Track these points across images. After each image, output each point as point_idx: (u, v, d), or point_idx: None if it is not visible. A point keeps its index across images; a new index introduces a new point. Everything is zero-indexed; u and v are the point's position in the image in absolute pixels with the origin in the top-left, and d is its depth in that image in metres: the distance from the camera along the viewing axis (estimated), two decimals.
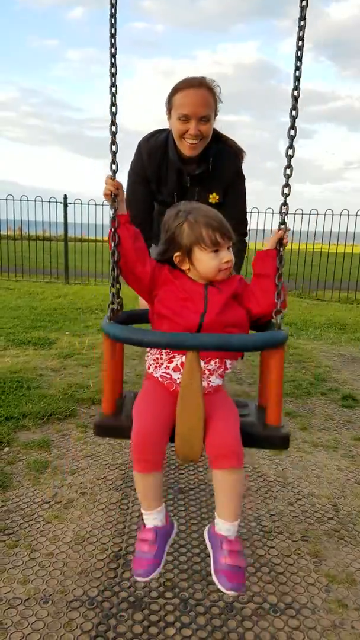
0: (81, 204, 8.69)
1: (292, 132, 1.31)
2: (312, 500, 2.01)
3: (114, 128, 1.34)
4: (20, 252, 9.23)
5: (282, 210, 1.36)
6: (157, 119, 2.43)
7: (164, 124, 2.26)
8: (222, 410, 1.30)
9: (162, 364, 1.39)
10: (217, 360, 1.39)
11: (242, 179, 2.31)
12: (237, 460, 1.22)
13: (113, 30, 1.35)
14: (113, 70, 1.34)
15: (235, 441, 1.23)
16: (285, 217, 1.37)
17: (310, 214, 8.10)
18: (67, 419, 2.68)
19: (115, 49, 1.35)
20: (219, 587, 1.20)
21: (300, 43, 1.27)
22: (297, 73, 1.27)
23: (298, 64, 1.27)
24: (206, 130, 2.08)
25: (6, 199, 8.87)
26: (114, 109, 1.35)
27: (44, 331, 4.59)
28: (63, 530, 1.76)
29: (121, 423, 1.36)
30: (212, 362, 1.38)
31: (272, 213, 8.31)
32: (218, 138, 2.21)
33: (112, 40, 1.35)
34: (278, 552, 1.69)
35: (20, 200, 8.83)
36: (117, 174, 1.39)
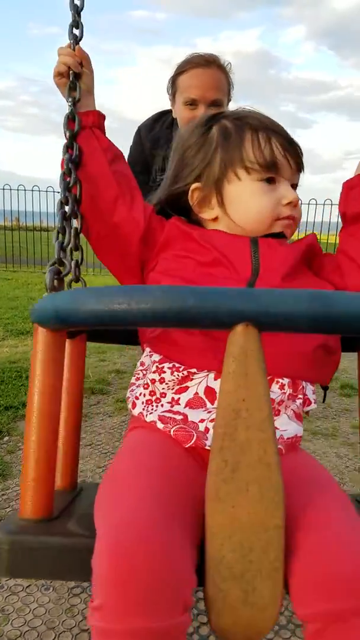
0: None
1: None
2: None
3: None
4: (18, 243, 9.20)
5: None
6: (157, 109, 2.08)
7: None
8: (319, 495, 0.65)
9: (165, 394, 0.76)
10: (288, 381, 0.75)
11: None
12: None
13: None
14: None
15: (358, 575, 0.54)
16: None
17: (309, 204, 8.10)
18: None
19: None
20: None
21: None
22: None
23: None
24: None
25: (3, 189, 8.82)
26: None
27: None
28: None
29: (60, 533, 0.69)
30: (275, 385, 0.74)
31: None
32: None
33: None
34: None
35: (18, 190, 8.79)
36: (80, 41, 0.89)
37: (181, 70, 1.73)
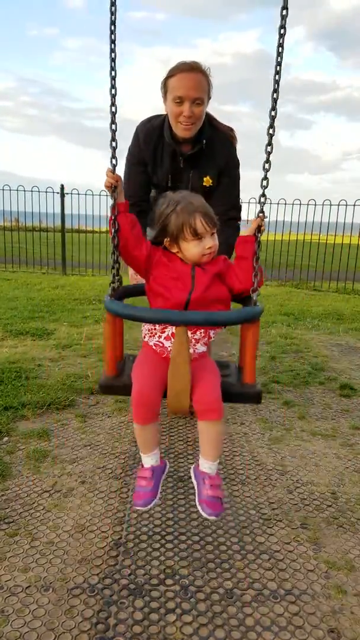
0: (78, 194, 8.63)
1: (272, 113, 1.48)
2: (311, 488, 2.02)
3: (114, 126, 1.50)
4: (17, 243, 9.19)
5: (261, 201, 1.53)
6: (155, 108, 2.53)
7: (162, 112, 2.32)
8: (206, 373, 1.51)
9: (156, 333, 1.58)
10: (202, 330, 1.58)
11: (236, 164, 2.37)
12: (218, 414, 1.45)
13: (113, 18, 1.48)
14: (113, 73, 1.49)
15: (217, 399, 1.45)
16: (263, 206, 1.55)
17: (308, 205, 8.08)
18: (66, 408, 2.68)
19: (115, 54, 1.52)
20: (202, 514, 1.47)
21: (280, 49, 1.45)
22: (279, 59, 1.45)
23: (280, 53, 1.45)
24: (199, 112, 2.16)
25: (2, 190, 8.81)
26: (113, 108, 1.49)
27: (42, 322, 4.58)
28: (63, 518, 1.77)
29: (122, 382, 1.58)
30: (198, 332, 1.57)
31: (270, 204, 8.29)
32: (210, 122, 2.30)
33: (112, 32, 1.50)
34: (277, 539, 1.70)
35: (17, 190, 8.77)
36: (116, 168, 1.54)
37: (170, 74, 2.14)
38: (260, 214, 1.55)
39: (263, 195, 1.51)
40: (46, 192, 8.65)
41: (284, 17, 1.42)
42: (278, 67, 1.43)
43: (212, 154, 2.28)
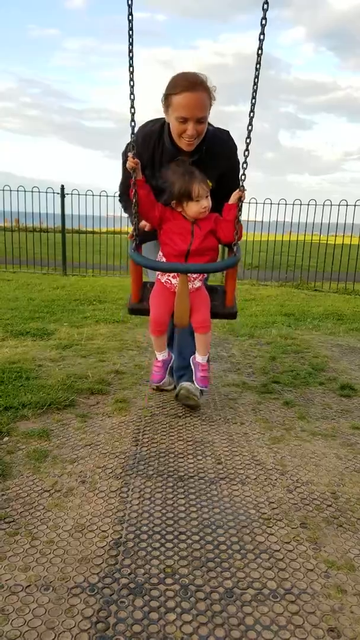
0: (78, 194, 8.64)
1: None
2: (311, 488, 2.02)
3: (133, 124, 1.91)
4: (18, 244, 9.19)
5: (241, 178, 2.02)
6: (156, 109, 2.52)
7: (162, 114, 2.31)
8: (200, 301, 2.27)
9: (165, 273, 2.21)
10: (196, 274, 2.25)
11: (236, 162, 2.39)
12: (208, 328, 2.31)
13: (131, 25, 1.79)
14: (131, 62, 1.82)
15: (207, 319, 2.28)
16: (243, 182, 2.03)
17: (308, 205, 8.08)
18: (67, 409, 2.68)
19: (132, 48, 1.84)
20: (197, 386, 2.52)
21: (259, 52, 1.82)
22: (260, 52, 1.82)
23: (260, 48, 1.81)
24: (202, 129, 2.22)
25: (2, 190, 8.82)
26: (133, 110, 1.88)
27: (42, 322, 4.59)
28: (63, 518, 1.77)
29: (144, 307, 2.31)
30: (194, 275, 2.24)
31: (271, 204, 8.29)
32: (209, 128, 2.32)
33: (130, 37, 1.82)
34: (277, 538, 1.70)
35: (17, 191, 8.78)
36: (134, 155, 1.98)
37: (173, 92, 2.14)
38: (242, 188, 2.05)
39: (243, 174, 2.01)
40: (46, 192, 8.65)
41: (265, 11, 1.72)
42: (259, 59, 1.82)
43: (214, 158, 2.34)
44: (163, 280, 2.23)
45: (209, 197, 2.06)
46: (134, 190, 2.01)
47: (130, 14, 1.75)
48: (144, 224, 2.22)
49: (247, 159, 1.97)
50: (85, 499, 1.88)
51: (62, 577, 1.49)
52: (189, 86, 2.11)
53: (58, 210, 8.76)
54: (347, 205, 7.86)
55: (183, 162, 2.18)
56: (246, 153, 1.96)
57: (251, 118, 1.90)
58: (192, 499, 1.92)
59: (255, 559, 1.60)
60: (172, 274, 2.17)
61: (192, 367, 2.44)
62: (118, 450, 2.27)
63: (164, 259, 2.18)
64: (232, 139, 2.43)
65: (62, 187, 8.58)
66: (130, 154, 1.93)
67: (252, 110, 1.89)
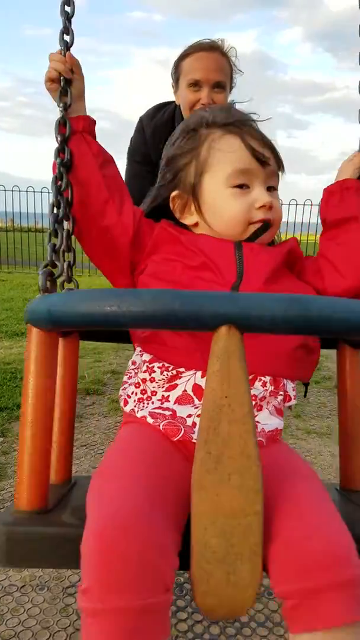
0: None
1: None
2: None
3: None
4: (13, 244, 9.18)
5: None
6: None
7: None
8: (297, 484, 0.68)
9: (156, 392, 0.79)
10: (269, 379, 0.78)
11: None
12: (355, 604, 0.57)
13: None
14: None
15: (348, 550, 0.59)
16: None
17: (304, 205, 8.12)
18: None
19: None
20: None
21: None
22: None
23: None
24: (221, 100, 1.74)
25: None
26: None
27: None
28: None
29: (58, 523, 0.72)
30: (258, 382, 0.77)
31: None
32: None
33: None
34: None
35: (12, 191, 8.77)
36: (70, 49, 0.92)
37: (186, 53, 1.76)
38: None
39: None
40: (41, 192, 8.66)
41: None
42: None
43: None
44: (146, 413, 0.81)
45: (277, 194, 0.96)
46: (59, 139, 0.88)
47: None
48: None
49: None
50: None
51: (57, 576, 1.49)
52: (203, 46, 1.74)
53: None
54: None
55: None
56: None
57: None
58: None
59: None
60: (176, 390, 0.80)
61: None
62: None
63: (145, 376, 0.84)
64: None
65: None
66: (56, 51, 0.94)
67: None
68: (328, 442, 2.43)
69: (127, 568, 0.54)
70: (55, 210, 0.84)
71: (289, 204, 8.13)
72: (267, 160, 0.86)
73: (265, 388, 0.78)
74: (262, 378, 0.78)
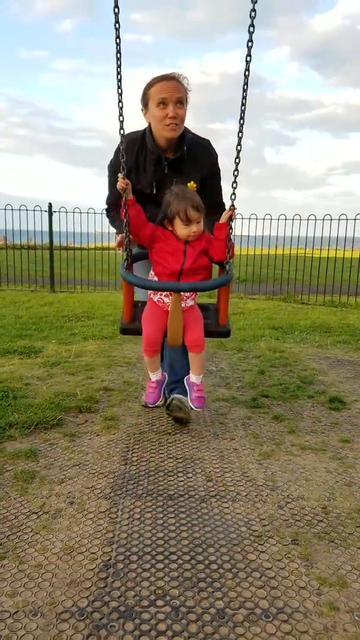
0: (66, 212, 8.66)
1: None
2: (302, 504, 2.01)
3: (123, 147, 2.03)
4: (5, 261, 9.16)
5: (232, 198, 2.06)
6: (142, 127, 2.57)
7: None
8: (193, 320, 2.26)
9: (158, 292, 2.22)
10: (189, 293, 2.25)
11: (218, 171, 2.58)
12: (202, 347, 2.29)
13: (119, 55, 1.88)
14: (119, 84, 1.88)
15: (201, 337, 2.26)
16: (233, 202, 2.07)
17: (293, 220, 8.17)
18: (54, 428, 2.65)
19: (121, 66, 1.88)
20: (192, 407, 2.43)
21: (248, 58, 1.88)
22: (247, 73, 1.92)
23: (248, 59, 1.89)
24: (182, 113, 2.34)
25: None
26: (122, 131, 1.98)
27: (30, 340, 4.55)
28: (51, 540, 1.74)
29: (136, 327, 2.27)
30: (187, 294, 2.23)
31: (256, 219, 8.37)
32: (188, 133, 2.49)
33: (118, 57, 1.88)
34: (269, 556, 1.69)
35: (5, 209, 8.77)
36: (125, 176, 2.06)
37: (152, 83, 2.34)
38: (232, 207, 2.09)
39: (233, 194, 2.05)
40: (34, 210, 8.66)
41: (252, 18, 1.77)
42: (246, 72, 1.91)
43: (194, 159, 2.47)
44: (155, 299, 2.24)
45: (201, 223, 2.11)
46: (124, 211, 2.05)
47: (118, 37, 1.84)
48: (121, 240, 2.27)
49: (237, 178, 2.01)
50: (74, 521, 1.85)
51: (51, 602, 1.46)
52: (164, 76, 2.33)
53: (46, 228, 8.76)
54: (331, 219, 7.97)
55: (181, 185, 2.21)
56: (235, 173, 2.00)
57: (239, 138, 1.97)
58: (182, 517, 1.90)
59: (246, 578, 1.58)
60: (164, 293, 2.19)
61: (187, 387, 2.41)
62: (107, 469, 2.24)
63: (155, 279, 2.21)
64: (211, 146, 2.57)
65: (50, 205, 8.59)
66: (120, 175, 2.03)
67: (240, 131, 1.96)
68: (323, 457, 2.42)
69: (150, 347, 2.27)
70: (125, 232, 2.13)
71: (278, 219, 8.21)
72: (197, 213, 2.11)
73: (189, 293, 2.21)
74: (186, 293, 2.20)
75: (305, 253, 8.73)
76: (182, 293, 2.14)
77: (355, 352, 4.54)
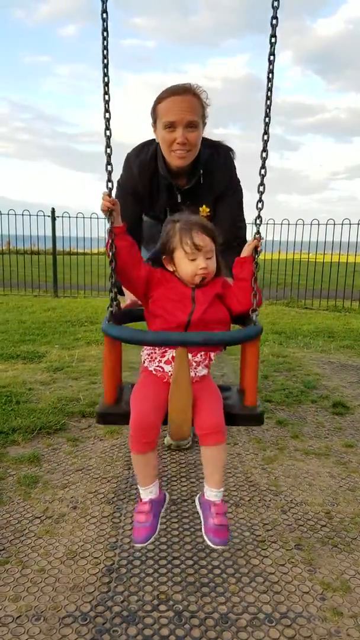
0: (69, 217, 8.70)
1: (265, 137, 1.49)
2: (305, 508, 2.01)
3: (108, 150, 1.45)
4: (9, 266, 9.20)
5: (257, 222, 1.54)
6: (148, 133, 2.40)
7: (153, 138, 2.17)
8: (208, 395, 1.48)
9: (156, 358, 1.52)
10: (202, 353, 1.52)
11: (235, 185, 2.18)
12: (222, 437, 1.43)
13: (105, 43, 1.44)
14: (106, 97, 1.43)
15: (220, 421, 1.42)
16: (259, 227, 1.55)
17: (296, 224, 8.18)
18: (57, 432, 2.66)
19: (108, 78, 1.43)
20: (209, 543, 1.42)
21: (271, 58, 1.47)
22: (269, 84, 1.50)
23: (270, 76, 1.48)
24: (194, 138, 1.94)
25: None
26: (108, 132, 1.44)
27: (33, 345, 4.56)
28: (54, 545, 1.74)
29: (121, 410, 1.51)
30: (198, 355, 1.51)
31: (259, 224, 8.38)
32: (205, 143, 2.10)
33: (105, 57, 1.44)
34: (272, 561, 1.68)
35: (8, 214, 8.82)
36: (112, 191, 1.51)
37: (161, 97, 1.94)
38: (257, 235, 1.55)
39: (259, 217, 1.53)
40: (37, 215, 8.70)
41: (274, 27, 1.41)
42: (270, 84, 1.49)
43: (210, 181, 2.10)
44: (152, 368, 1.51)
45: (213, 259, 1.53)
46: (110, 242, 1.50)
47: (105, 37, 1.44)
48: (131, 302, 1.77)
49: (262, 195, 1.52)
50: (77, 525, 1.86)
51: (54, 606, 1.46)
52: (175, 91, 1.91)
53: (49, 233, 8.81)
54: (334, 224, 7.97)
55: (186, 211, 1.68)
56: (261, 189, 1.51)
57: (265, 142, 1.48)
58: (185, 522, 1.89)
59: (250, 583, 1.58)
60: (165, 357, 1.49)
61: (199, 510, 1.52)
62: (110, 474, 2.25)
63: (151, 351, 1.54)
64: (229, 157, 2.17)
65: (53, 210, 8.64)
66: (105, 192, 1.48)
67: (265, 132, 1.49)
68: (327, 462, 2.41)
69: (141, 433, 1.39)
70: (111, 274, 1.53)
71: (282, 224, 8.21)
72: (207, 242, 1.52)
73: (201, 356, 1.52)
74: (200, 352, 1.51)
75: (308, 258, 8.74)
76: (191, 355, 1.46)
77: (358, 357, 4.53)
